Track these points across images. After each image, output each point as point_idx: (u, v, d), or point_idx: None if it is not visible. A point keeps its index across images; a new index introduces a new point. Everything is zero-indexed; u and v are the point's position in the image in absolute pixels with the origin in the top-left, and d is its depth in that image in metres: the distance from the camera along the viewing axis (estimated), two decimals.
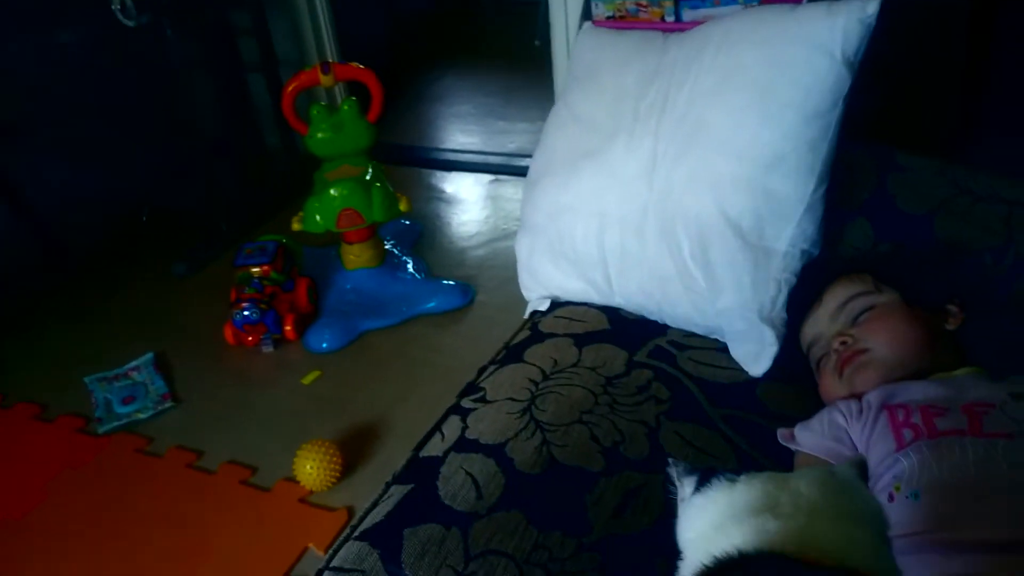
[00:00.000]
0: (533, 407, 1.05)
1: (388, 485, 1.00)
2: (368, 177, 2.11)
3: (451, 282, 2.24)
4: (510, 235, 2.48)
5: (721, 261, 1.09)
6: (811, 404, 1.03)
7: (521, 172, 2.74)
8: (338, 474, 1.63)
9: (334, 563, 0.89)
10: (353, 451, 1.72)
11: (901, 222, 1.13)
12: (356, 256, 2.21)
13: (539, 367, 1.13)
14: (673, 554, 0.85)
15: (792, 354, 1.10)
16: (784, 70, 1.05)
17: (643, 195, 1.13)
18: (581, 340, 1.18)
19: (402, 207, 2.15)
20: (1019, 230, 1.08)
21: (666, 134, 1.12)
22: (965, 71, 1.42)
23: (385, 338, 2.11)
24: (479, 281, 2.28)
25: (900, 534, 0.80)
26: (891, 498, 0.83)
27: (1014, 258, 1.07)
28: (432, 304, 2.18)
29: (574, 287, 1.27)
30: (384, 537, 0.91)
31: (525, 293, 1.35)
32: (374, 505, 0.97)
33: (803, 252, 1.09)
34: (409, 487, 0.97)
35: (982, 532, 0.75)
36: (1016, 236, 1.07)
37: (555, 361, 1.14)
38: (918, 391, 0.92)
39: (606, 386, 1.08)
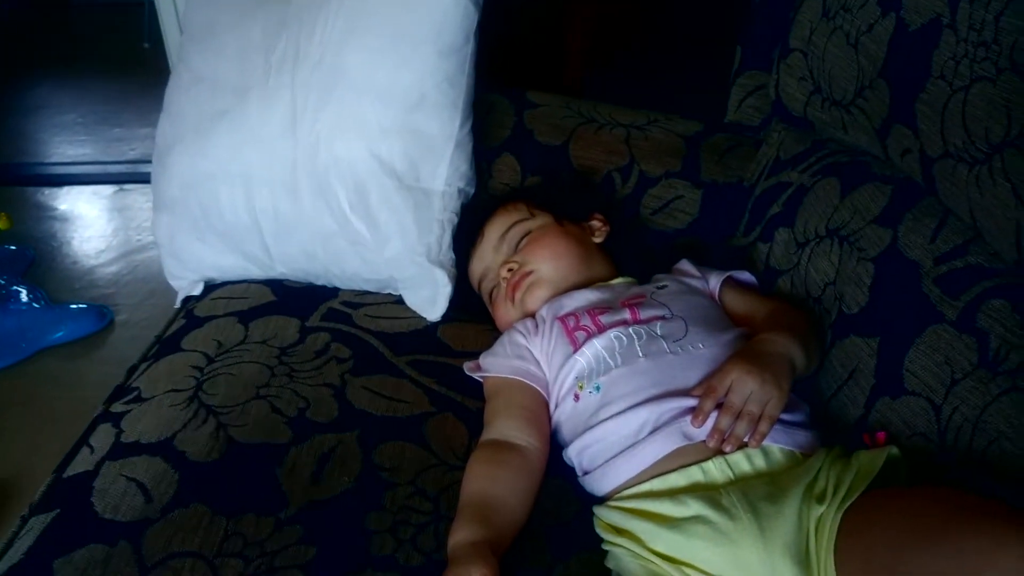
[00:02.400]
0: (201, 393, 0.93)
1: (24, 519, 0.81)
2: None
3: (81, 305, 1.94)
4: (146, 246, 2.23)
5: (382, 208, 1.05)
6: (490, 338, 1.03)
7: (149, 179, 2.52)
8: None
9: None
10: None
11: (542, 153, 1.20)
12: None
13: (201, 352, 1.00)
14: (382, 506, 0.80)
15: (465, 294, 1.11)
16: (413, 9, 1.04)
17: (289, 150, 1.05)
18: (246, 316, 1.07)
19: (2, 224, 1.81)
20: (637, 149, 1.19)
21: (303, 84, 1.05)
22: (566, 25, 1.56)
23: (2, 383, 1.76)
24: (116, 300, 2.01)
25: (589, 426, 0.83)
26: (576, 398, 0.86)
27: (638, 176, 1.18)
28: (60, 334, 1.87)
29: (228, 263, 1.15)
30: None
31: (173, 282, 1.20)
32: (8, 546, 0.77)
33: (460, 191, 1.10)
34: (54, 513, 0.79)
35: (646, 392, 0.81)
36: (636, 155, 1.19)
37: (219, 343, 1.02)
38: (582, 298, 0.97)
39: (281, 356, 0.99)
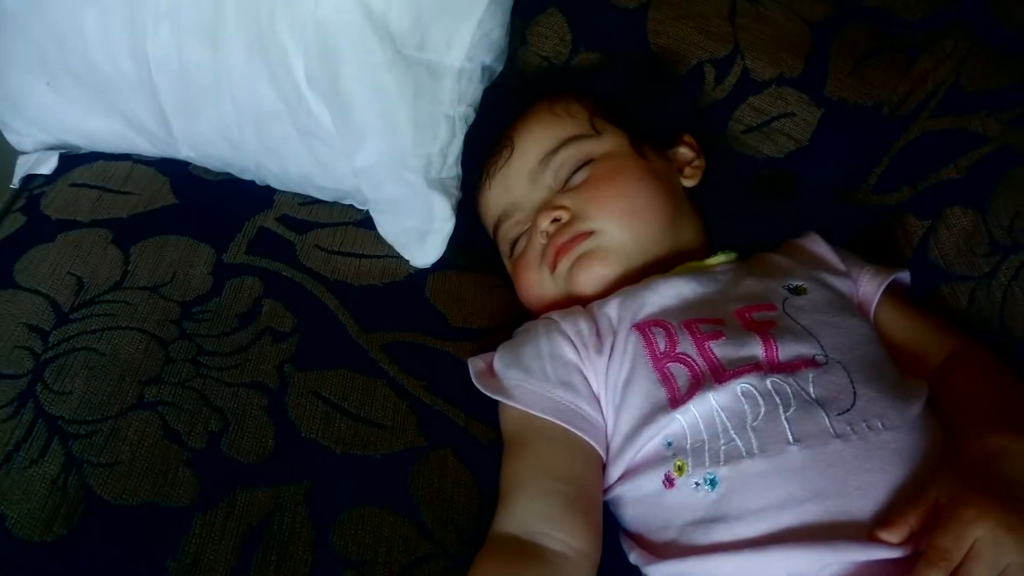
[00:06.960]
0: (40, 388, 0.55)
1: None
2: None
3: None
4: None
5: (360, 87, 0.64)
6: (506, 305, 0.72)
7: None
8: None
9: None
10: None
11: (606, 18, 0.78)
12: None
13: (47, 296, 0.61)
14: None
15: (471, 228, 0.74)
16: None
17: None
18: (126, 231, 0.67)
19: None
20: (746, 32, 0.80)
21: None
22: None
23: None
24: None
25: (692, 543, 0.52)
26: (670, 483, 0.54)
27: (740, 75, 0.80)
28: None
29: (100, 128, 0.72)
30: None
31: (11, 137, 0.77)
32: None
33: (484, 68, 0.69)
34: None
35: (802, 514, 0.50)
36: (743, 42, 0.79)
37: (79, 281, 0.63)
38: (669, 293, 0.62)
39: (182, 321, 0.61)
